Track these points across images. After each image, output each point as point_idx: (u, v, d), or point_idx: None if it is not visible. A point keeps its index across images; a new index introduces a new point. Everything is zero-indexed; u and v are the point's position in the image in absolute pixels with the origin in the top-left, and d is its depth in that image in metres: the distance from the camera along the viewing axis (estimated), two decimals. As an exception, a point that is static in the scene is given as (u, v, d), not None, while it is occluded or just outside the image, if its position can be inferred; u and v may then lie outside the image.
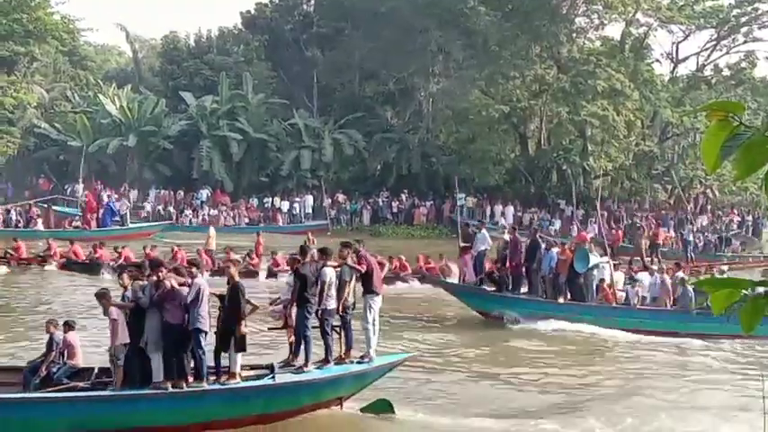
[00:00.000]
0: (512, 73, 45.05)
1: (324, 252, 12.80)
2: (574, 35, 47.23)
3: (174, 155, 47.23)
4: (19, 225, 36.10)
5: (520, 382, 15.06)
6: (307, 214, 44.21)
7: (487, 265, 21.37)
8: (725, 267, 20.02)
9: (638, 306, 19.62)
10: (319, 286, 12.22)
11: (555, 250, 20.27)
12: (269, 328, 14.17)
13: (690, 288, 18.98)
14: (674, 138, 47.70)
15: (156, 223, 39.40)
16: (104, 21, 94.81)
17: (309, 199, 44.73)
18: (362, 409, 12.47)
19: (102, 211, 37.43)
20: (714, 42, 47.32)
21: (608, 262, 20.35)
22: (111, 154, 46.33)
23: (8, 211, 37.42)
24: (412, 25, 45.84)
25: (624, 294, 20.12)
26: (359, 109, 49.24)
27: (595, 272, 19.86)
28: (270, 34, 54.58)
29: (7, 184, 47.99)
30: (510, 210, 42.07)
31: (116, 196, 40.76)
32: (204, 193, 45.18)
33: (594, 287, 19.83)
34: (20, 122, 48.06)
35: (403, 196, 45.59)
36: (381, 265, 16.35)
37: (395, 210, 45.06)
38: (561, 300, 19.77)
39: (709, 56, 48.08)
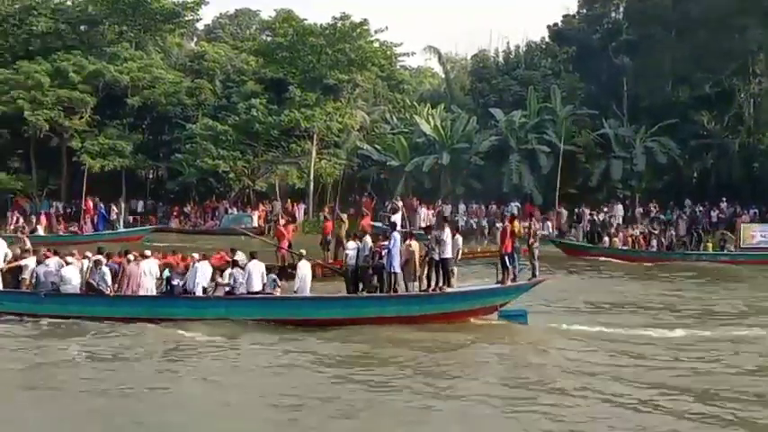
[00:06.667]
0: None
1: None
2: None
3: (485, 170, 48.48)
4: None
5: None
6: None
7: None
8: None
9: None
10: None
11: None
12: None
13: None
14: None
15: (144, 228, 44.17)
16: (418, 45, 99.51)
17: (619, 208, 43.75)
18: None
19: (96, 217, 42.65)
20: None
21: None
22: (426, 171, 48.66)
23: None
24: (729, 25, 43.37)
25: None
26: (672, 115, 47.21)
27: None
28: (577, 45, 54.30)
29: (335, 202, 52.05)
30: None
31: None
32: (514, 206, 45.88)
33: None
34: (345, 145, 52.13)
35: (723, 204, 43.11)
36: None
37: (714, 219, 42.65)
38: None
39: None
